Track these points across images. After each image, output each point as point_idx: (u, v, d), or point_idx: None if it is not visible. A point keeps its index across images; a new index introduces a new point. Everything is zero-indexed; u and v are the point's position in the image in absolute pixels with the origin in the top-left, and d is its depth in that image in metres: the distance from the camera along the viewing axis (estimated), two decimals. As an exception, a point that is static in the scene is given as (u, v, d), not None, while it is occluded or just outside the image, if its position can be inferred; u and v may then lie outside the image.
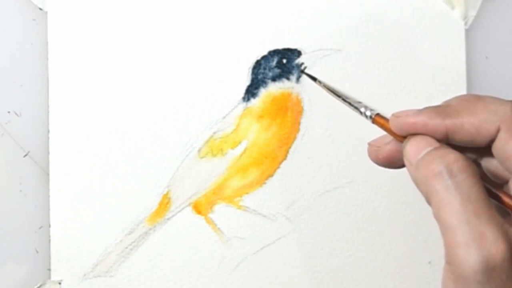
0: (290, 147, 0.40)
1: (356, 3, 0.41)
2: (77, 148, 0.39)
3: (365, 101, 0.40)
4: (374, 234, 0.41)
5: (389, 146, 0.32)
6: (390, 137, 0.32)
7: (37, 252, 0.39)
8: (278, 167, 0.40)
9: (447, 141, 0.29)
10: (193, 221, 0.40)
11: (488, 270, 0.25)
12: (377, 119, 0.33)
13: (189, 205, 0.40)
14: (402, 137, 0.30)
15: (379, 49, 0.41)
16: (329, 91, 0.38)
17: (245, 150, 0.40)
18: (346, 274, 0.41)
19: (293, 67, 0.40)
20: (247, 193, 0.40)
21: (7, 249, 0.39)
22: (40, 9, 0.39)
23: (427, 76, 0.41)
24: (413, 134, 0.30)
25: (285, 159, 0.40)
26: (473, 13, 0.41)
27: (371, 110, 0.34)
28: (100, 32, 0.39)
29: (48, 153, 0.39)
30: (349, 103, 0.36)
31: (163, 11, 0.40)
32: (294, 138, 0.40)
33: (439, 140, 0.29)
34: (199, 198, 0.40)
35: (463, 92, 0.41)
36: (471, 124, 0.28)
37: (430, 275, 0.41)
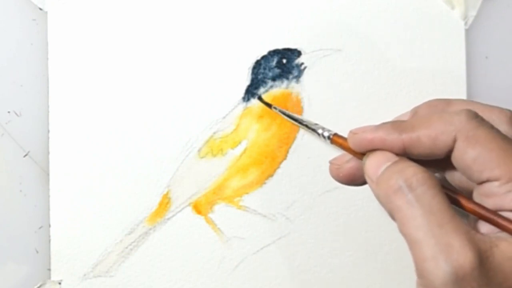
0: (290, 147, 0.40)
1: (356, 3, 0.41)
2: (77, 148, 0.39)
3: (365, 101, 0.41)
4: (374, 234, 0.41)
5: (350, 164, 0.32)
6: (350, 155, 0.32)
7: (37, 252, 0.39)
8: (278, 167, 0.40)
9: (406, 155, 0.29)
10: (193, 221, 0.40)
11: (458, 280, 0.25)
12: (335, 139, 0.33)
13: (189, 205, 0.40)
14: (361, 155, 0.30)
15: (379, 49, 0.41)
16: (285, 116, 0.38)
17: (245, 150, 0.40)
18: (346, 274, 0.41)
19: (293, 67, 0.40)
20: (247, 193, 0.40)
21: (7, 249, 0.39)
22: (40, 9, 0.39)
23: (427, 76, 0.41)
24: (372, 150, 0.30)
25: (285, 159, 0.40)
26: (473, 13, 0.41)
27: (328, 131, 0.34)
28: (100, 32, 0.39)
29: (48, 153, 0.39)
30: (306, 126, 0.37)
31: (163, 11, 0.40)
32: (294, 138, 0.40)
33: (398, 155, 0.29)
34: (199, 198, 0.40)
35: (463, 92, 0.41)
36: (428, 137, 0.28)
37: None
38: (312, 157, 0.40)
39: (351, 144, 0.31)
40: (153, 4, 0.40)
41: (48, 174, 0.39)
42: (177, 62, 0.40)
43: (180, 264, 0.40)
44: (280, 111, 0.39)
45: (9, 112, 0.39)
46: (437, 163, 0.30)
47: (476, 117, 0.28)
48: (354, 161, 0.32)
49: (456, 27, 0.41)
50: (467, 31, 0.41)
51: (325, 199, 0.40)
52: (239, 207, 0.40)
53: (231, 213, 0.40)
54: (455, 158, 0.28)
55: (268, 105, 0.39)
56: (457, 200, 0.28)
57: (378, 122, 0.35)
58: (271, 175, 0.40)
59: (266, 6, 0.40)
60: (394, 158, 0.29)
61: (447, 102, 0.33)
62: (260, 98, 0.40)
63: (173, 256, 0.40)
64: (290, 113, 0.39)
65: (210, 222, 0.40)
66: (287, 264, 0.40)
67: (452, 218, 0.26)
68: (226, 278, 0.40)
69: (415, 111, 0.34)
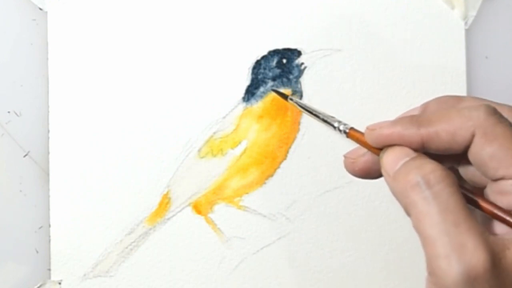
0: (290, 147, 0.40)
1: (356, 3, 0.41)
2: (77, 148, 0.39)
3: (365, 101, 0.40)
4: (374, 234, 0.41)
5: (365, 157, 0.32)
6: (365, 149, 0.32)
7: (37, 252, 0.39)
8: (278, 167, 0.40)
9: (423, 150, 0.29)
10: (193, 221, 0.40)
11: (470, 281, 0.25)
12: (352, 133, 0.33)
13: (189, 205, 0.40)
14: (378, 150, 0.30)
15: (379, 49, 0.41)
16: (301, 108, 0.38)
17: (245, 150, 0.40)
18: (346, 274, 0.41)
19: (293, 67, 0.40)
20: (247, 193, 0.40)
21: (7, 249, 0.39)
22: (40, 9, 0.39)
23: (427, 76, 0.41)
24: (389, 145, 0.29)
25: (285, 159, 0.40)
26: (473, 13, 0.41)
27: (344, 124, 0.34)
28: (100, 32, 0.39)
29: (48, 153, 0.39)
30: (322, 118, 0.36)
31: (163, 11, 0.40)
32: (294, 138, 0.40)
33: (415, 150, 0.29)
34: (199, 198, 0.40)
35: (463, 92, 0.41)
36: (446, 132, 0.28)
37: (430, 275, 0.41)
38: (312, 157, 0.40)
39: (368, 140, 0.30)
40: (153, 4, 0.40)
41: (48, 174, 0.39)
42: (177, 62, 0.40)
43: (180, 264, 0.40)
44: (296, 102, 0.38)
45: (9, 112, 0.39)
46: (452, 157, 0.30)
47: (495, 113, 0.28)
48: (369, 155, 0.32)
49: (456, 27, 0.41)
50: (467, 31, 0.41)
51: (325, 199, 0.40)
52: (239, 207, 0.40)
53: (231, 213, 0.40)
54: (472, 153, 0.28)
55: (284, 97, 0.39)
56: (474, 200, 0.28)
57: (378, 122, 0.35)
58: (271, 175, 0.40)
59: (266, 6, 0.40)
60: (413, 153, 0.28)
61: (458, 99, 0.32)
62: (275, 90, 0.39)
63: (173, 256, 0.40)
64: (306, 105, 0.38)
65: (210, 222, 0.40)
66: (287, 264, 0.40)
67: (467, 218, 0.26)
68: (226, 278, 0.40)
69: (424, 107, 0.34)
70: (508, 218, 0.27)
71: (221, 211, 0.40)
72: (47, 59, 0.39)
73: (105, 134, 0.39)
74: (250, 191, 0.40)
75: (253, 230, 0.40)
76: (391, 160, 0.29)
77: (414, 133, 0.29)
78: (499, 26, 0.42)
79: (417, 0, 0.41)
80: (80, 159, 0.39)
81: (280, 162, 0.40)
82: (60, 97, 0.39)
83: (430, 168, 0.27)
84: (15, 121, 0.39)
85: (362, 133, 0.32)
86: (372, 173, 0.32)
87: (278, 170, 0.40)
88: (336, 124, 0.34)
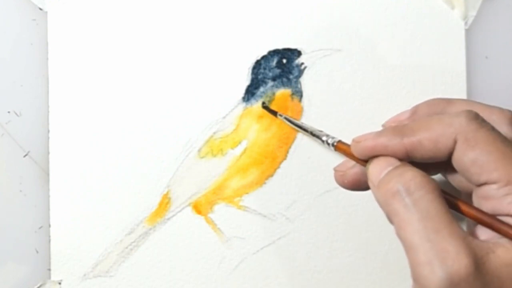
0: (290, 147, 0.40)
1: (356, 3, 0.41)
2: (77, 148, 0.39)
3: (365, 101, 0.40)
4: (374, 234, 0.41)
5: (354, 170, 0.32)
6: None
7: (37, 252, 0.39)
8: (278, 167, 0.40)
9: (408, 159, 0.29)
10: (193, 221, 0.40)
11: (453, 286, 0.25)
12: (339, 146, 0.33)
13: (189, 205, 0.40)
14: (364, 162, 0.30)
15: (379, 49, 0.41)
16: (289, 123, 0.38)
17: (245, 150, 0.40)
18: (346, 274, 0.41)
19: (293, 67, 0.40)
20: (247, 193, 0.40)
21: (7, 249, 0.39)
22: (40, 9, 0.39)
23: (427, 76, 0.41)
24: (375, 156, 0.30)
25: (285, 159, 0.40)
26: (473, 13, 0.41)
27: (332, 138, 0.34)
28: (100, 32, 0.39)
29: (48, 153, 0.39)
30: (310, 132, 0.37)
31: (163, 11, 0.40)
32: (294, 138, 0.40)
33: (401, 159, 0.29)
34: (199, 198, 0.40)
35: (463, 92, 0.41)
36: (429, 140, 0.28)
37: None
38: (312, 157, 0.40)
39: (354, 152, 0.31)
40: (153, 4, 0.40)
41: (48, 174, 0.39)
42: (177, 62, 0.40)
43: (180, 264, 0.40)
44: (285, 118, 0.39)
45: (9, 112, 0.39)
46: (440, 165, 0.30)
47: (477, 119, 0.28)
48: (358, 167, 0.32)
49: (456, 27, 0.41)
50: (467, 31, 0.41)
51: (325, 199, 0.40)
52: (239, 207, 0.40)
53: (231, 213, 0.40)
54: (455, 160, 0.28)
55: (274, 113, 0.39)
56: (457, 205, 0.28)
57: (378, 122, 0.35)
58: (271, 175, 0.40)
59: (266, 6, 0.40)
60: (397, 162, 0.29)
61: (448, 101, 0.33)
62: (264, 106, 0.39)
63: (173, 256, 0.40)
64: (295, 120, 0.39)
65: (210, 222, 0.40)
66: (287, 264, 0.40)
67: (449, 224, 0.26)
68: (226, 278, 0.40)
69: (414, 110, 0.34)
70: (490, 220, 0.27)
71: (221, 211, 0.40)
72: (47, 59, 0.39)
73: (105, 134, 0.39)
74: (250, 191, 0.40)
75: (253, 230, 0.40)
76: (376, 170, 0.29)
77: (398, 144, 0.29)
78: (499, 26, 0.42)
79: (417, 0, 0.41)
80: (80, 159, 0.39)
81: (280, 162, 0.40)
82: (60, 97, 0.39)
83: (411, 175, 0.27)
84: (15, 121, 0.39)
85: (349, 146, 0.32)
86: (361, 185, 0.32)
87: (278, 170, 0.40)
88: (324, 138, 0.35)
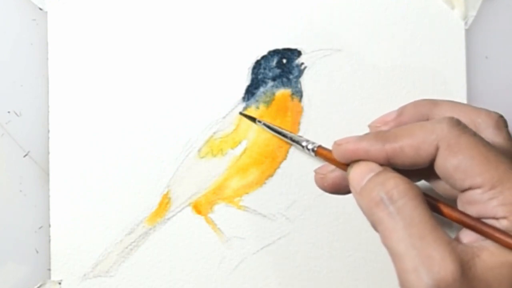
0: (290, 147, 0.40)
1: (356, 3, 0.41)
2: (77, 148, 0.39)
3: (365, 101, 0.40)
4: (374, 234, 0.41)
5: (334, 173, 0.32)
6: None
7: (37, 252, 0.39)
8: (278, 167, 0.40)
9: (390, 165, 0.29)
10: (193, 221, 0.40)
11: None
12: (320, 151, 0.33)
13: (189, 205, 0.40)
14: (346, 166, 0.30)
15: (379, 49, 0.41)
16: (269, 130, 0.38)
17: (245, 150, 0.40)
18: (346, 274, 0.41)
19: (293, 67, 0.40)
20: (247, 193, 0.40)
21: (7, 249, 0.39)
22: (40, 9, 0.39)
23: (427, 76, 0.41)
24: (356, 161, 0.30)
25: (285, 159, 0.40)
26: (473, 13, 0.41)
27: (312, 143, 0.34)
28: (100, 32, 0.39)
29: (48, 153, 0.39)
30: (290, 138, 0.37)
31: (163, 11, 0.40)
32: (294, 138, 0.40)
33: (382, 165, 0.29)
34: (199, 198, 0.40)
35: (463, 92, 0.41)
36: (410, 147, 0.28)
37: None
38: (312, 157, 0.40)
39: (335, 155, 0.31)
40: (153, 4, 0.40)
41: (48, 174, 0.39)
42: (177, 62, 0.40)
43: (180, 264, 0.40)
44: (264, 124, 0.39)
45: (9, 112, 0.39)
46: (423, 172, 0.30)
47: (458, 125, 0.28)
48: (338, 171, 0.32)
49: (456, 27, 0.41)
50: (467, 31, 0.41)
51: (325, 199, 0.40)
52: (239, 207, 0.40)
53: (231, 213, 0.40)
54: (438, 166, 0.28)
55: (252, 119, 0.39)
56: (440, 209, 0.28)
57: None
58: (271, 175, 0.40)
59: (266, 6, 0.40)
60: (378, 168, 0.28)
61: (434, 102, 0.32)
62: (242, 113, 0.39)
63: (173, 256, 0.40)
64: (274, 127, 0.38)
65: (210, 222, 0.40)
66: (287, 264, 0.40)
67: (433, 230, 0.26)
68: (226, 278, 0.40)
69: (401, 111, 0.34)
70: (474, 223, 0.27)
71: (221, 211, 0.40)
72: (47, 59, 0.39)
73: (105, 134, 0.39)
74: (250, 191, 0.40)
75: (253, 230, 0.40)
76: (357, 175, 0.29)
77: (379, 149, 0.29)
78: (499, 26, 0.42)
79: (417, 0, 0.41)
80: (80, 159, 0.39)
81: (280, 162, 0.40)
82: (60, 97, 0.39)
83: (393, 183, 0.27)
84: (15, 121, 0.39)
85: (330, 151, 0.32)
86: (341, 188, 0.32)
87: (278, 170, 0.40)
88: (304, 144, 0.35)
